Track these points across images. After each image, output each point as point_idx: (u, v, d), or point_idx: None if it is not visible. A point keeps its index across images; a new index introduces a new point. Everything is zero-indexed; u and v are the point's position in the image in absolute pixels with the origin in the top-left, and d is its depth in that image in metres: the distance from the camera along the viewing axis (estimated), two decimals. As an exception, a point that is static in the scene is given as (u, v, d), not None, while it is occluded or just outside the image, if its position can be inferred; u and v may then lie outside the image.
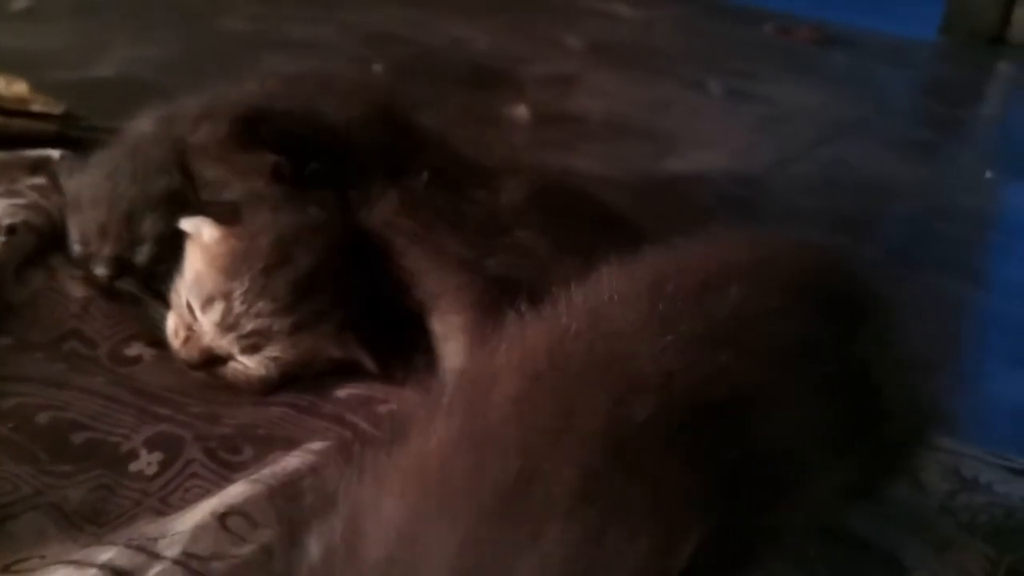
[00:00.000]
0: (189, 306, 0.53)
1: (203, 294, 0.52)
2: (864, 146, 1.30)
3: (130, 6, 1.46)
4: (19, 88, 0.87)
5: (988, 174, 1.26)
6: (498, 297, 0.52)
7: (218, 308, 0.51)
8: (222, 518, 0.39)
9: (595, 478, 0.30)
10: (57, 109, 0.83)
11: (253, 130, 0.57)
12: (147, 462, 0.46)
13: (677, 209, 1.00)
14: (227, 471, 0.46)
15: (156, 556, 0.37)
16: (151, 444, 0.48)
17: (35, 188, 0.64)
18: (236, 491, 0.42)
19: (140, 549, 0.37)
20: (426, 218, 0.56)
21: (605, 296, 0.38)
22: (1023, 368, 0.75)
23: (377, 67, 1.29)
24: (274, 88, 0.64)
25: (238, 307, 0.51)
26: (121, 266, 0.57)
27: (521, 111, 1.21)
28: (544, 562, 0.29)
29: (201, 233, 0.54)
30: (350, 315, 0.55)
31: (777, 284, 0.39)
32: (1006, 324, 0.85)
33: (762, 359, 0.35)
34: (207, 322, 0.52)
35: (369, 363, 0.55)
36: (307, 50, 1.34)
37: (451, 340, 0.54)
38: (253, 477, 0.43)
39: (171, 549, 0.37)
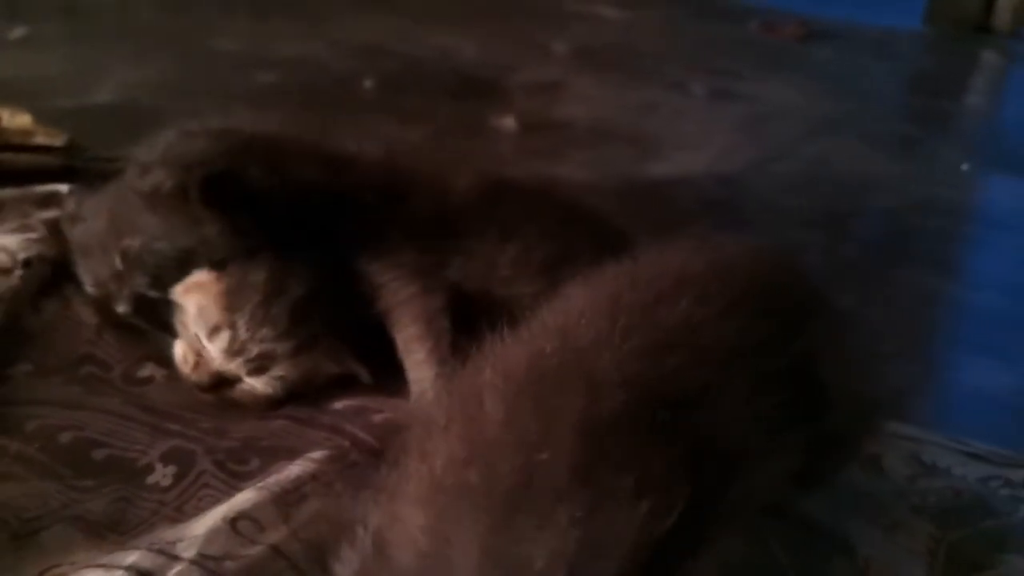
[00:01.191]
0: (196, 336, 0.56)
1: (208, 325, 0.56)
2: (847, 142, 1.32)
3: (125, 30, 1.49)
4: (22, 120, 0.89)
5: (964, 166, 1.28)
6: (454, 304, 0.56)
7: (224, 336, 0.55)
8: (232, 522, 0.44)
9: (583, 466, 0.35)
10: (59, 141, 0.85)
11: (209, 190, 0.57)
12: (162, 475, 0.50)
13: (660, 212, 1.03)
14: (235, 480, 0.50)
15: (175, 558, 0.41)
16: (165, 458, 0.52)
17: (46, 222, 0.68)
18: (244, 498, 0.46)
19: (160, 552, 0.41)
20: (381, 232, 0.59)
21: (572, 316, 0.43)
22: (988, 356, 0.79)
23: (368, 83, 1.32)
24: (227, 148, 0.62)
25: (243, 334, 0.55)
26: (141, 302, 0.59)
27: (508, 122, 1.24)
28: (560, 539, 0.33)
29: (197, 278, 0.57)
30: (344, 332, 0.59)
31: (725, 290, 0.43)
32: (976, 314, 0.89)
33: (711, 360, 0.40)
34: (215, 349, 0.56)
35: (364, 375, 0.59)
36: (298, 66, 1.37)
37: (412, 353, 0.58)
38: (259, 485, 0.47)
39: (188, 551, 0.41)
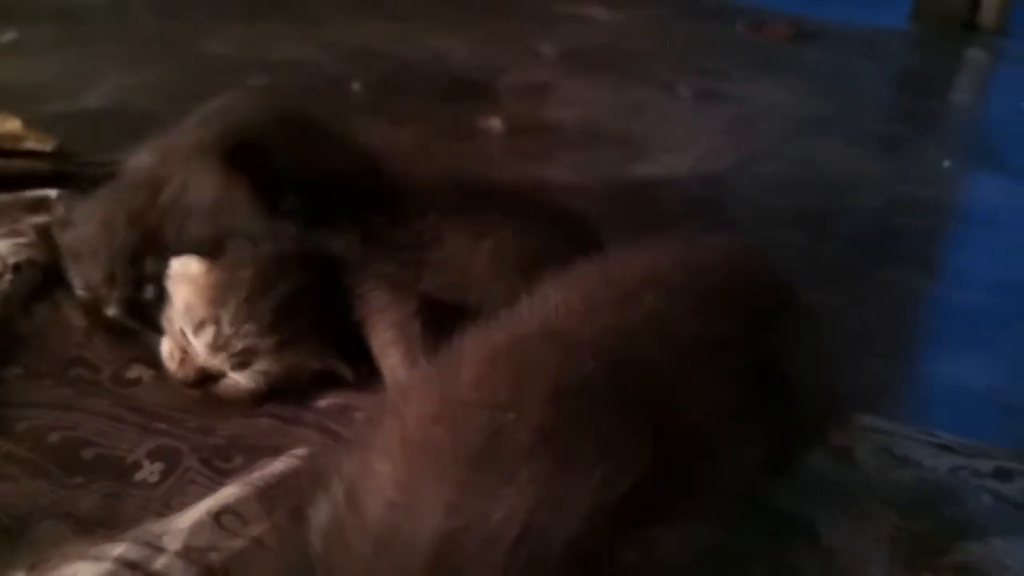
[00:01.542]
0: (182, 331, 0.58)
1: (194, 320, 0.57)
2: (833, 141, 1.32)
3: (116, 34, 1.49)
4: (12, 125, 0.90)
5: (946, 163, 1.30)
6: (427, 313, 0.58)
7: (209, 331, 0.57)
8: (217, 516, 0.45)
9: (549, 430, 0.37)
10: (49, 146, 0.86)
11: (238, 155, 0.61)
12: (149, 472, 0.52)
13: (646, 214, 1.05)
14: (220, 477, 0.51)
15: (161, 550, 0.43)
16: (152, 456, 0.53)
17: (35, 227, 0.69)
18: (228, 492, 0.47)
19: (147, 544, 0.43)
20: (368, 245, 0.61)
21: (550, 307, 0.45)
22: (969, 353, 0.80)
23: (356, 85, 1.33)
24: (266, 122, 0.67)
25: (227, 330, 0.57)
26: (132, 305, 0.62)
27: (496, 123, 1.25)
28: (520, 497, 0.35)
29: (188, 268, 0.59)
30: (327, 331, 0.60)
31: (692, 286, 0.46)
32: (958, 311, 0.90)
33: (677, 351, 0.42)
34: (200, 344, 0.57)
35: (347, 373, 0.61)
36: (291, 69, 1.38)
37: (386, 357, 0.60)
38: (243, 480, 0.49)
39: (173, 543, 0.43)
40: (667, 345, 0.42)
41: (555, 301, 0.45)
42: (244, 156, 0.61)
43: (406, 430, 0.38)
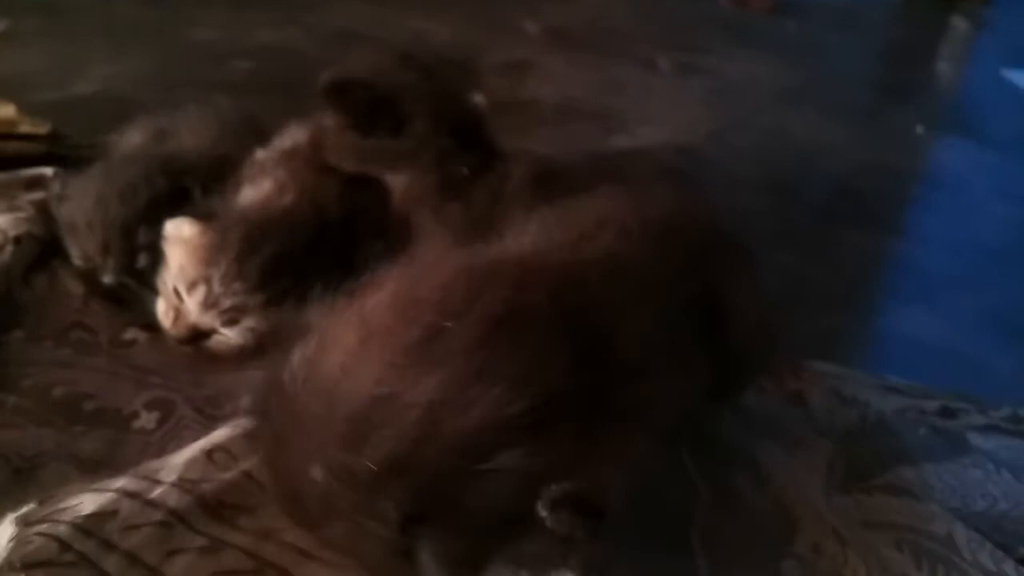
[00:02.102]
0: (176, 291, 0.62)
1: (187, 280, 0.61)
2: (808, 112, 1.35)
3: (104, 24, 1.51)
4: (6, 111, 0.93)
5: (919, 129, 1.33)
6: None
7: (200, 290, 0.61)
8: (209, 453, 0.50)
9: (479, 340, 0.41)
10: (42, 129, 0.89)
11: (336, 89, 0.65)
12: (147, 420, 0.56)
13: (621, 183, 1.08)
14: (212, 422, 0.56)
15: (158, 482, 0.47)
16: (149, 406, 0.57)
17: (33, 202, 0.73)
18: (220, 433, 0.52)
19: (145, 477, 0.47)
20: (443, 189, 0.64)
21: (515, 241, 0.50)
22: (922, 306, 0.84)
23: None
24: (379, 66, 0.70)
25: (217, 288, 0.61)
26: (126, 272, 0.66)
27: (478, 99, 1.28)
28: (434, 385, 0.40)
29: (182, 231, 0.63)
30: (314, 289, 0.64)
31: (644, 229, 0.50)
32: (915, 269, 0.94)
33: (625, 286, 0.46)
34: (192, 303, 0.61)
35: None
36: (275, 53, 1.40)
37: None
38: (233, 424, 0.53)
39: (169, 476, 0.47)
40: (616, 280, 0.46)
41: (521, 236, 0.50)
42: (341, 90, 0.64)
43: (365, 311, 0.44)
